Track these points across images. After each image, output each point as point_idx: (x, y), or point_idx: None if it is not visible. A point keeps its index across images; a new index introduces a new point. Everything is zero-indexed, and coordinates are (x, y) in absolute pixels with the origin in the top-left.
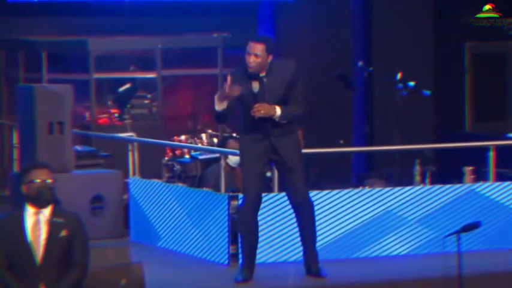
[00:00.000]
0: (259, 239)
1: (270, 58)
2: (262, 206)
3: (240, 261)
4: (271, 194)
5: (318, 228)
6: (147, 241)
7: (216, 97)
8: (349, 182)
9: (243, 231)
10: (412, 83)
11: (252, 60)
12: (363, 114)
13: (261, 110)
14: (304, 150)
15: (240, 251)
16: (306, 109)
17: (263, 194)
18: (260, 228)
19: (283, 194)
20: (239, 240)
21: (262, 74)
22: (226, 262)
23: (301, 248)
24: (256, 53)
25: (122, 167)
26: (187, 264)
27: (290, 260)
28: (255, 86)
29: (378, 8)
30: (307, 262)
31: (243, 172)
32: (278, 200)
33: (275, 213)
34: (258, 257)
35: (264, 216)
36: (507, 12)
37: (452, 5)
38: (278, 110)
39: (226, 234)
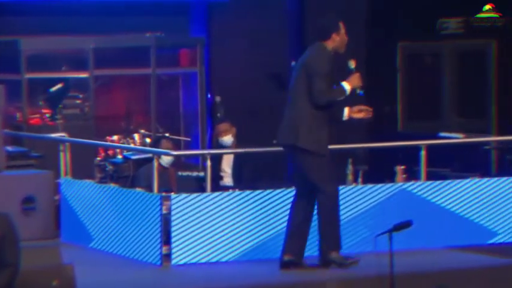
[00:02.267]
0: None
1: None
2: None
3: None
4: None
5: (246, 227)
6: (78, 242)
7: (357, 81)
8: (283, 181)
9: (338, 215)
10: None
11: None
12: None
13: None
14: (239, 150)
15: (334, 235)
16: (243, 109)
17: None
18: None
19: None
20: (335, 224)
21: None
22: (159, 262)
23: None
24: None
25: (53, 167)
26: (120, 265)
27: None
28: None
29: (313, 8)
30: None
31: (324, 161)
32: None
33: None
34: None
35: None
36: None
37: (385, 5)
38: None
39: (159, 234)
